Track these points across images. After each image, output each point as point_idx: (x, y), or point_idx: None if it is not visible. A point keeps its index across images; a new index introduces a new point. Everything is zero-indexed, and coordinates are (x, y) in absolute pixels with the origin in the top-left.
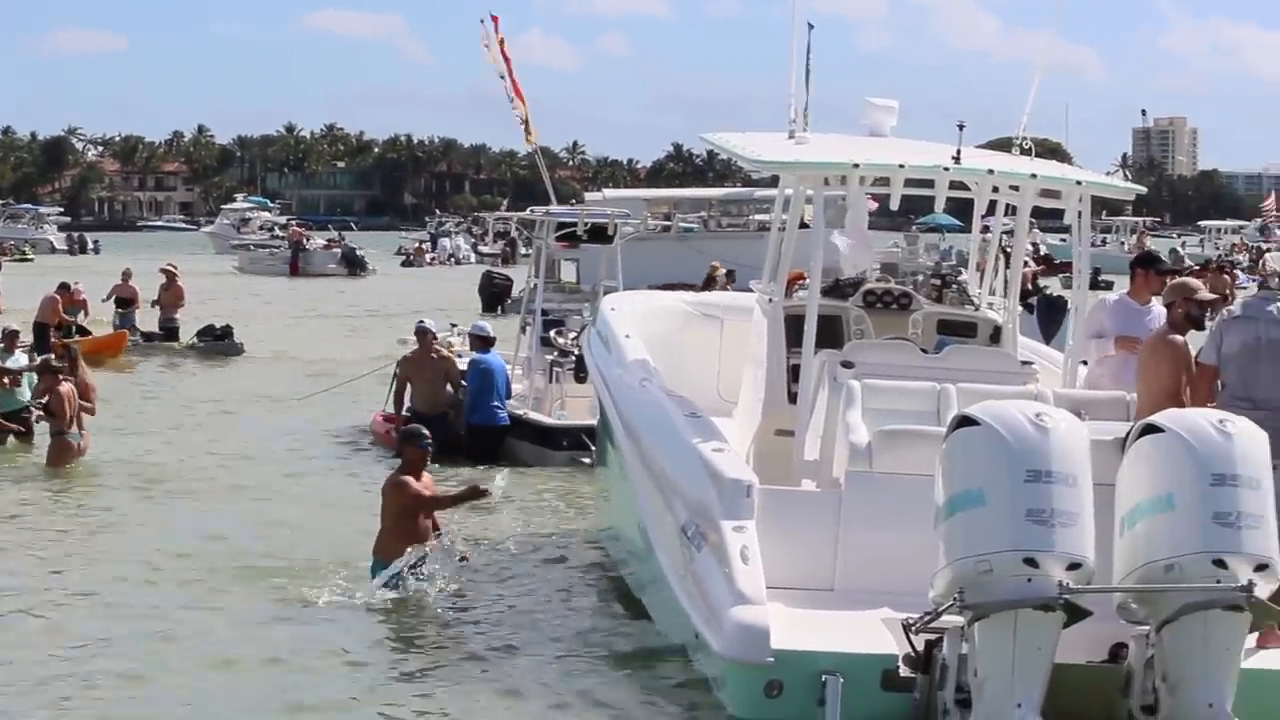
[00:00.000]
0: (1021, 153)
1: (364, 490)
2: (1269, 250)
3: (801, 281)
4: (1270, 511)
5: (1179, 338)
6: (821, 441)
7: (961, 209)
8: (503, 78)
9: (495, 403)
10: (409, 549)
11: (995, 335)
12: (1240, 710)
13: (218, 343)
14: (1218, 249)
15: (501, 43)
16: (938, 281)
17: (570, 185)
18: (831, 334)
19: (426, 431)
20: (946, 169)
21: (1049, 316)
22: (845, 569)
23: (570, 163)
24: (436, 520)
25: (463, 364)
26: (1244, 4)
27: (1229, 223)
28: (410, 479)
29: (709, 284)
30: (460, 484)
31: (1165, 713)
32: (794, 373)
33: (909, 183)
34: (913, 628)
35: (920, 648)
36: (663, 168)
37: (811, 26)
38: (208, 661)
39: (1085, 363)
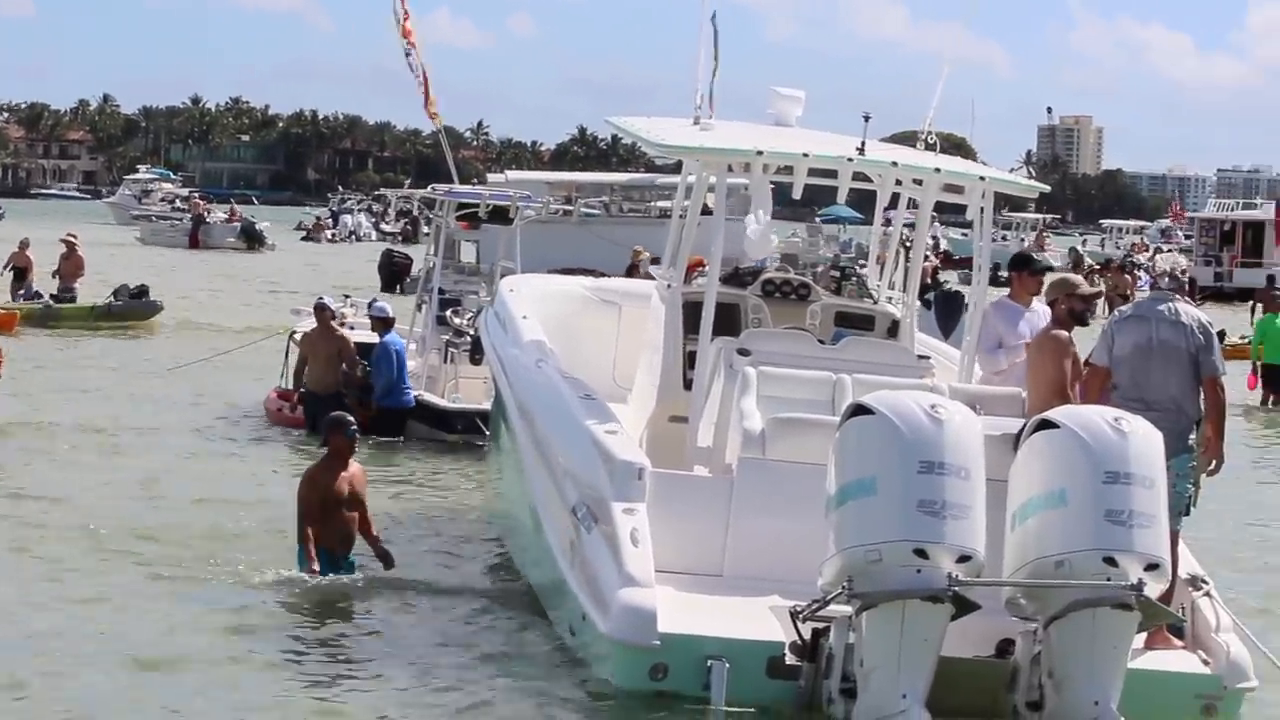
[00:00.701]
0: (926, 147)
1: (265, 470)
2: (1167, 249)
3: (701, 269)
4: (1163, 511)
5: (1063, 333)
6: (715, 428)
7: (864, 201)
8: (408, 55)
9: (405, 385)
10: (335, 540)
11: (893, 329)
12: (1126, 709)
13: (135, 301)
14: (1118, 248)
15: (406, 18)
16: (837, 273)
17: (474, 165)
18: (729, 322)
19: (353, 419)
20: (850, 160)
21: (946, 312)
22: (735, 555)
23: (474, 143)
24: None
25: (356, 337)
26: (1152, 4)
27: (1130, 223)
28: (337, 469)
29: (632, 270)
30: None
31: (1051, 709)
32: (690, 359)
33: (812, 173)
34: (800, 616)
35: (807, 636)
36: (567, 151)
37: (715, 16)
38: (114, 658)
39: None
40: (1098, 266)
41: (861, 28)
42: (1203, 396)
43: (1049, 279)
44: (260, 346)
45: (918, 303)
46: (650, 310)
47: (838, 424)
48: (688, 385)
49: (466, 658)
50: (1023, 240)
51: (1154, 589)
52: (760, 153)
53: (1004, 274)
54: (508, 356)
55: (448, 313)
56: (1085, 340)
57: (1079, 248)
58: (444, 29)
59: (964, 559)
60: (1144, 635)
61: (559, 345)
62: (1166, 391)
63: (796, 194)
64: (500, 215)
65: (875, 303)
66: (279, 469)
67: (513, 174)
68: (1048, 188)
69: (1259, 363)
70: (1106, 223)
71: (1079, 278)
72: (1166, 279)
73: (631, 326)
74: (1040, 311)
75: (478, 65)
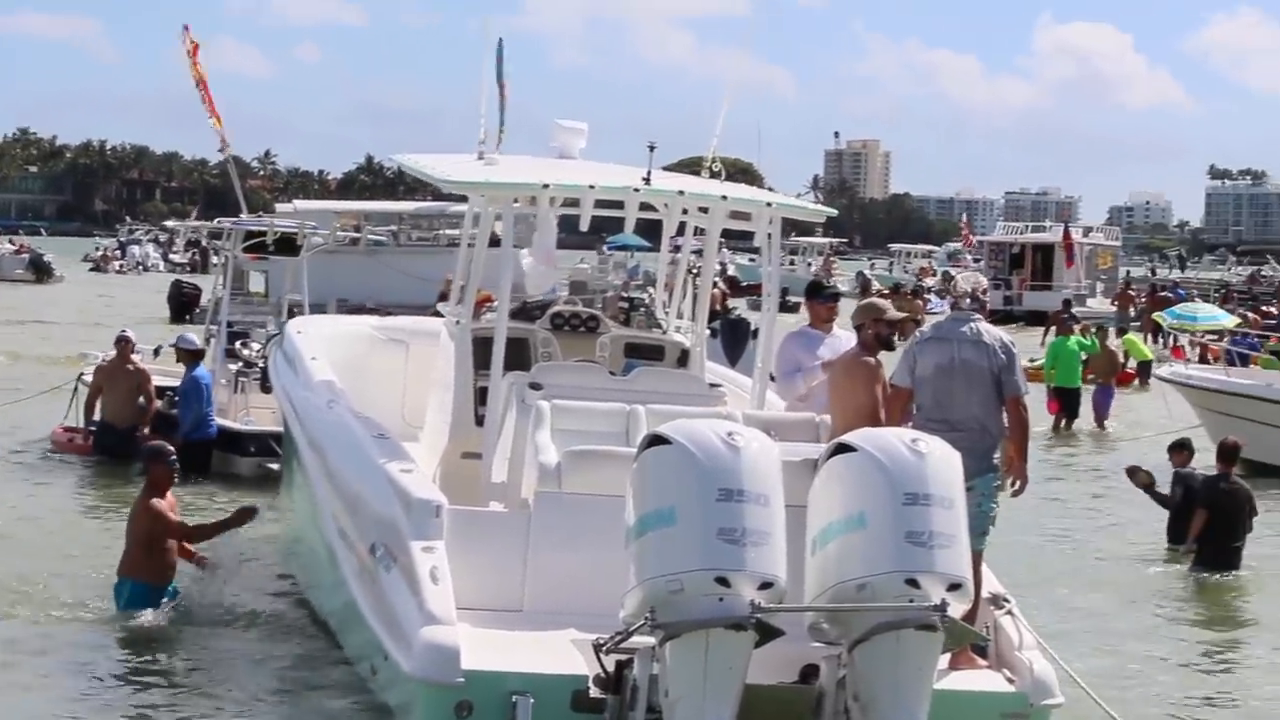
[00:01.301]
0: (711, 174)
1: (63, 505)
2: (959, 272)
3: (489, 304)
4: (963, 532)
5: (871, 358)
6: (510, 463)
7: (652, 228)
8: (198, 86)
9: (210, 418)
10: (158, 572)
11: (683, 358)
12: None
13: None
14: (906, 272)
15: (195, 50)
16: (625, 304)
17: (261, 195)
18: (519, 356)
19: (172, 449)
20: (637, 190)
21: (733, 339)
22: (535, 590)
23: (261, 172)
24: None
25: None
26: (939, 29)
27: (918, 246)
28: (159, 500)
29: (444, 298)
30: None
31: None
32: (481, 395)
33: (600, 204)
34: (603, 648)
35: (611, 668)
36: (354, 179)
37: (501, 43)
38: None
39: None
40: (887, 291)
41: (647, 54)
42: (1006, 416)
43: (860, 304)
44: (48, 379)
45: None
46: (439, 347)
47: (634, 455)
48: (479, 421)
49: (273, 697)
50: (809, 265)
51: (957, 609)
52: (546, 186)
53: (793, 299)
54: (299, 398)
55: (237, 344)
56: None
57: (866, 272)
58: (230, 56)
59: (766, 586)
60: (948, 655)
61: (349, 385)
62: (969, 411)
63: (584, 226)
64: (288, 245)
65: (664, 332)
66: (72, 501)
67: (300, 203)
68: (834, 212)
69: (1051, 386)
70: (895, 247)
71: (886, 302)
72: (968, 299)
73: (420, 364)
74: (841, 337)
75: (264, 93)
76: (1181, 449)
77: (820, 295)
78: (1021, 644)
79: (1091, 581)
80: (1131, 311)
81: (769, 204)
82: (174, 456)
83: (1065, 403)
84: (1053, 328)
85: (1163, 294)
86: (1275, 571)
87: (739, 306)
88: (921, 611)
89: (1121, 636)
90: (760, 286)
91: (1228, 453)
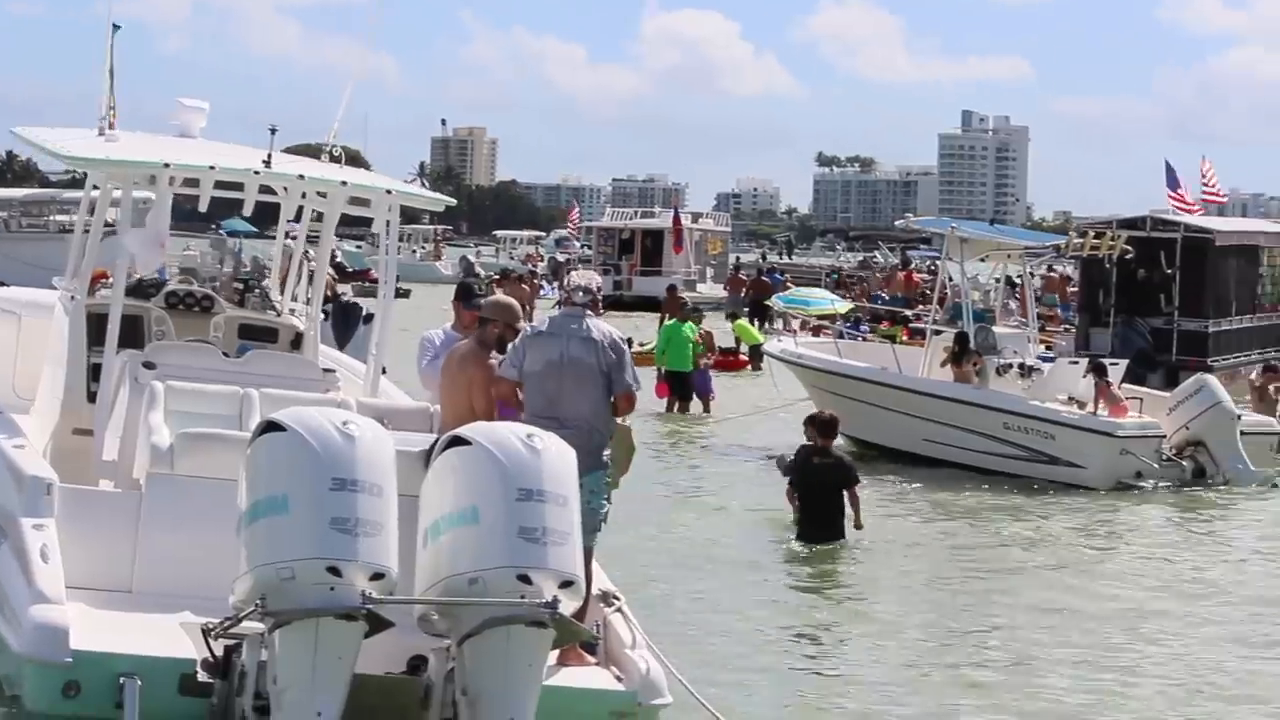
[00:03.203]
0: (331, 159)
1: None
2: (573, 268)
3: (105, 280)
4: (576, 529)
5: (487, 354)
6: (121, 442)
7: (264, 215)
8: None
9: None
10: None
11: (297, 341)
12: None
13: None
14: (512, 258)
15: None
16: (240, 285)
17: None
18: (133, 334)
19: None
20: (258, 172)
21: (344, 323)
22: (145, 571)
23: None
24: None
25: None
26: (545, 16)
27: (524, 233)
28: None
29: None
30: None
31: None
32: (95, 371)
33: (219, 185)
34: (212, 633)
35: (220, 653)
36: None
37: (118, 28)
38: None
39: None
40: (496, 276)
41: (255, 42)
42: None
43: (489, 300)
44: None
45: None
46: (53, 321)
47: (249, 440)
48: (91, 398)
49: None
50: (414, 251)
51: (568, 606)
52: (168, 165)
53: (402, 287)
54: None
55: None
56: None
57: (470, 256)
58: None
59: (377, 576)
60: (558, 652)
61: None
62: (578, 409)
63: (203, 207)
64: None
65: (279, 315)
66: None
67: None
68: (453, 200)
69: (662, 370)
70: (501, 233)
71: (519, 312)
72: (580, 293)
73: (32, 337)
74: None
75: None
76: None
77: (469, 301)
78: (631, 643)
79: (702, 565)
80: (743, 295)
81: (389, 190)
82: None
83: (675, 387)
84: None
85: (763, 278)
86: (878, 541)
87: (347, 291)
88: (532, 608)
89: (730, 619)
90: (367, 273)
91: (824, 426)
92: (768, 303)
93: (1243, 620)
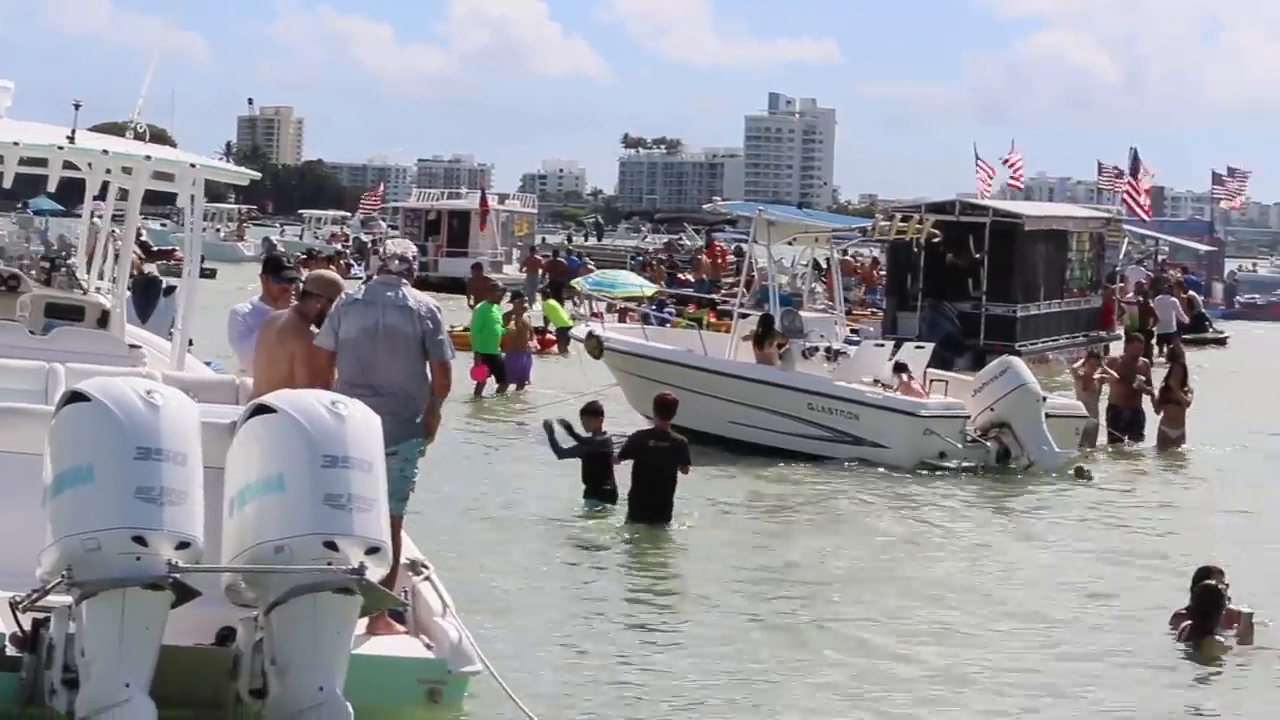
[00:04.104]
0: (136, 136)
1: None
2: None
3: None
4: (382, 496)
5: (307, 326)
6: None
7: (71, 192)
8: None
9: None
10: None
11: (103, 319)
12: (351, 694)
13: None
14: (317, 237)
15: None
16: (47, 264)
17: None
18: None
19: None
20: (61, 148)
21: (145, 297)
22: None
23: None
24: None
25: None
26: None
27: (330, 213)
28: None
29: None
30: None
31: (274, 696)
32: None
33: (23, 162)
34: (19, 606)
35: (28, 626)
36: None
37: None
38: None
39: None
40: (302, 257)
41: (65, 21)
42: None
43: (313, 274)
44: None
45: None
46: None
47: (53, 411)
48: None
49: None
50: (219, 231)
51: (375, 573)
52: None
53: (207, 266)
54: None
55: None
56: None
57: (272, 237)
58: None
59: (183, 545)
60: (367, 621)
61: None
62: (392, 377)
63: (7, 183)
64: None
65: (85, 293)
66: None
67: None
68: (258, 174)
69: (477, 351)
70: (306, 213)
71: (341, 282)
72: (396, 261)
73: None
74: None
75: None
76: (594, 414)
77: (279, 274)
78: (439, 611)
79: (518, 540)
80: (541, 276)
81: (193, 165)
82: None
83: (492, 367)
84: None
85: (559, 260)
86: (694, 526)
87: (153, 270)
88: (339, 575)
89: (549, 596)
90: (172, 252)
91: (663, 407)
92: (573, 284)
93: (1040, 599)
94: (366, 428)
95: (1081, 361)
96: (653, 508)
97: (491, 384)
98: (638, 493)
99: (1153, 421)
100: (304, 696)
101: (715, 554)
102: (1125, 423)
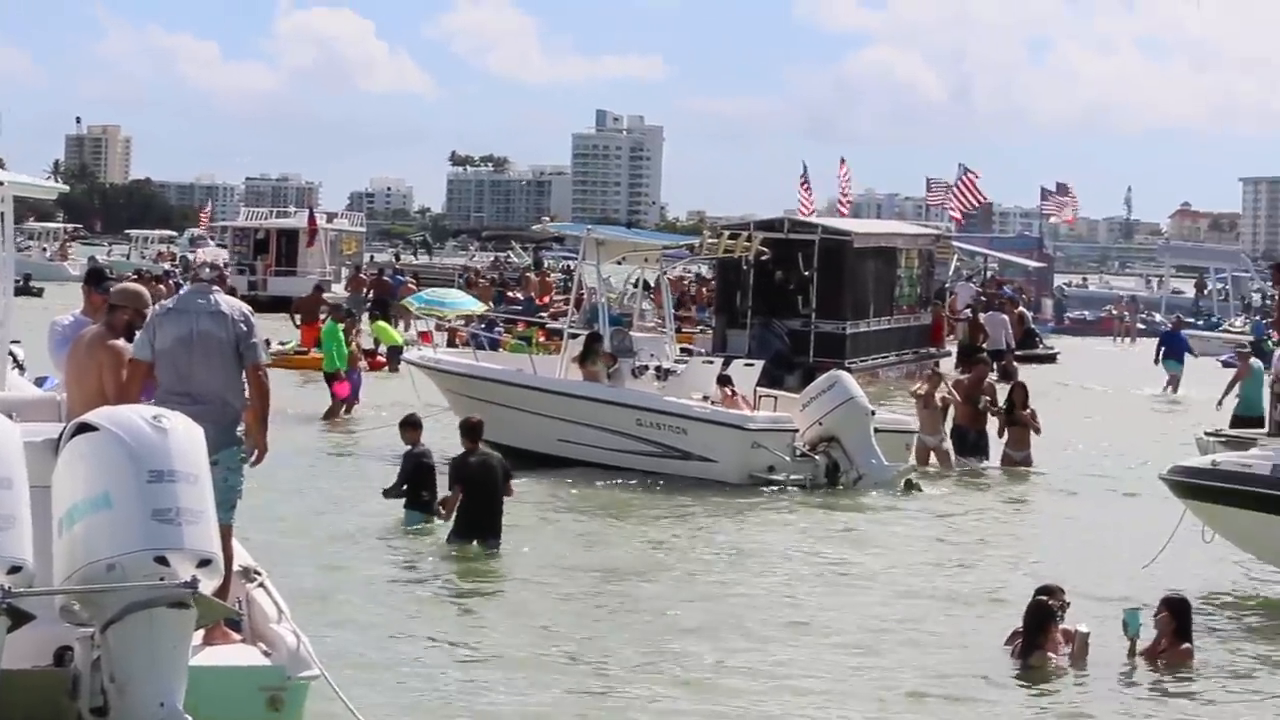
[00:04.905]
0: None
1: None
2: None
3: None
4: (210, 506)
5: (119, 341)
6: None
7: None
8: None
9: None
10: None
11: None
12: (192, 707)
13: None
14: (144, 257)
15: None
16: None
17: None
18: None
19: None
20: None
21: None
22: None
23: None
24: None
25: None
26: (180, 12)
27: (158, 231)
28: None
29: None
30: None
31: (116, 714)
32: None
33: None
34: None
35: None
36: None
37: None
38: None
39: None
40: (133, 276)
41: None
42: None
43: (118, 286)
44: None
45: None
46: None
47: None
48: None
49: None
50: (44, 250)
51: (208, 585)
52: None
53: (34, 285)
54: None
55: None
56: None
57: (99, 256)
58: None
59: (14, 570)
60: (203, 632)
61: None
62: (210, 385)
63: None
64: None
65: None
66: None
67: None
68: (66, 188)
69: (328, 371)
70: (134, 232)
71: (148, 296)
72: (207, 269)
73: None
74: None
75: None
76: (412, 426)
77: (99, 285)
78: (275, 617)
79: (344, 556)
80: (366, 295)
81: (1, 182)
82: None
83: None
84: (298, 314)
85: (384, 279)
86: (523, 542)
87: None
88: (172, 589)
89: (378, 611)
90: None
91: (471, 430)
92: (404, 303)
93: (866, 615)
94: (189, 440)
95: (922, 381)
96: (478, 526)
97: (326, 403)
98: (466, 510)
99: (997, 443)
100: (145, 713)
101: (541, 565)
102: (970, 444)
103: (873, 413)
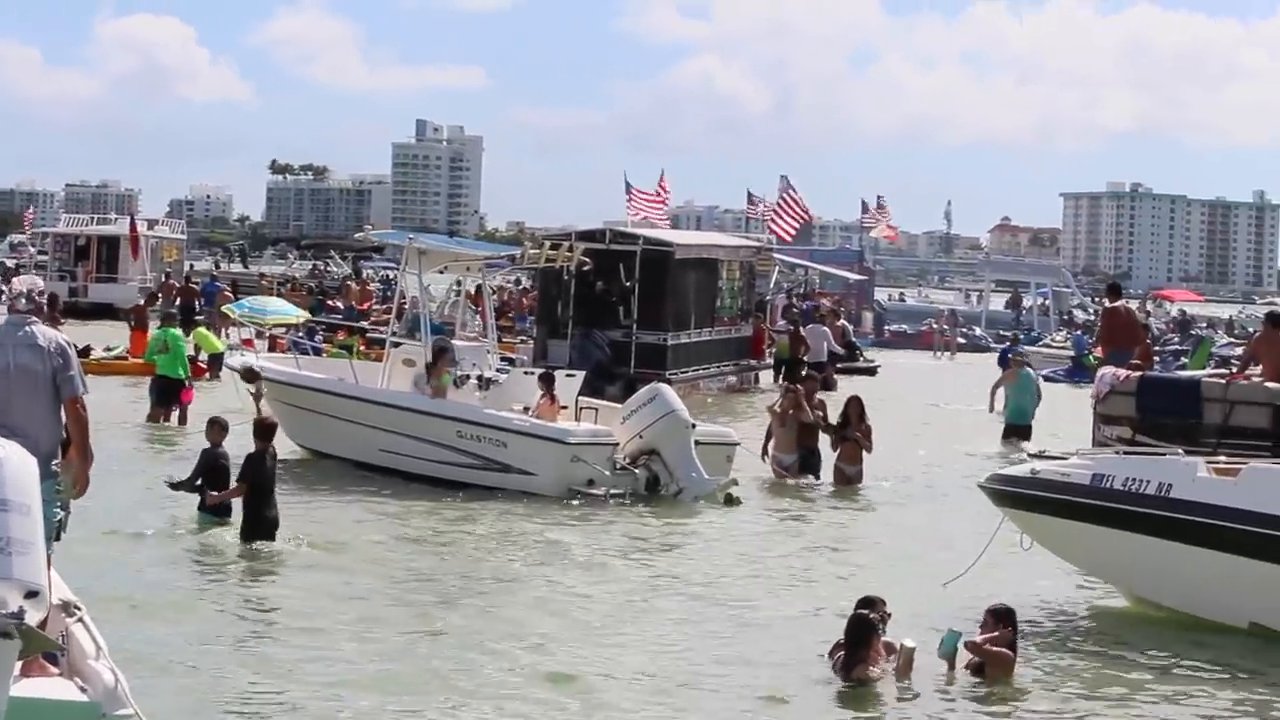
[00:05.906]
0: None
1: None
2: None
3: None
4: (40, 538)
5: None
6: None
7: None
8: None
9: None
10: None
11: None
12: None
13: None
14: None
15: None
16: None
17: None
18: None
19: None
20: None
21: None
22: None
23: None
24: None
25: None
26: (2, 20)
27: None
28: None
29: None
30: None
31: None
32: None
33: None
34: None
35: None
36: None
37: None
38: None
39: None
40: None
41: None
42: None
43: None
44: None
45: None
46: None
47: None
48: None
49: None
50: None
51: (34, 616)
52: None
53: None
54: None
55: None
56: None
57: None
58: None
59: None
60: (20, 664)
61: None
62: (27, 418)
63: None
64: None
65: None
66: None
67: None
68: None
69: (156, 376)
70: None
71: None
72: (23, 300)
73: None
74: None
75: None
76: (219, 428)
77: None
78: (93, 653)
79: (141, 564)
80: (172, 301)
81: None
82: None
83: (167, 394)
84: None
85: (191, 285)
86: (326, 549)
87: None
88: None
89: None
90: None
91: (263, 431)
92: (224, 310)
93: (682, 631)
94: (24, 470)
95: (780, 398)
96: (266, 525)
97: (146, 410)
98: (254, 510)
99: (829, 459)
100: None
101: (357, 582)
102: (803, 461)
103: (693, 426)
